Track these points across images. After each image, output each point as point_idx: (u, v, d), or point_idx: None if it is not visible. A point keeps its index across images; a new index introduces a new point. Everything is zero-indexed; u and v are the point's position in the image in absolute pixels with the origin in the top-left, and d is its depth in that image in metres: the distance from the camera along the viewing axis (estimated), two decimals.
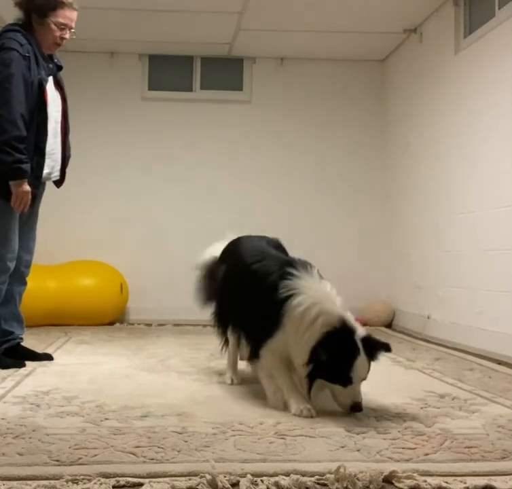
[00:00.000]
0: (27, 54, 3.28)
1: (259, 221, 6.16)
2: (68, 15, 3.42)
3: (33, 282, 3.70)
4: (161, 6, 5.24)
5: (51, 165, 3.49)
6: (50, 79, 3.45)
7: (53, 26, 3.39)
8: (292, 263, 2.74)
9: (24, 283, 3.65)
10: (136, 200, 6.32)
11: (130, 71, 6.40)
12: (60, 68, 3.58)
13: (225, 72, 6.47)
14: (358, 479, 1.78)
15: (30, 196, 3.31)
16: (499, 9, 4.38)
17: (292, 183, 6.42)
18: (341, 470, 1.80)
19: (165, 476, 1.80)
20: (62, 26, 3.41)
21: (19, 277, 3.58)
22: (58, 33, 3.41)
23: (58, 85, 3.52)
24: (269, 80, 6.48)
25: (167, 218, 6.33)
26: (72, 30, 3.47)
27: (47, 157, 3.42)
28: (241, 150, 6.42)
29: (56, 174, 3.56)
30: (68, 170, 3.64)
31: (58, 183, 3.64)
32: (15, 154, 3.20)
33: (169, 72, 6.45)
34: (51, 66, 3.47)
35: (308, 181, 6.44)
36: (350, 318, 2.55)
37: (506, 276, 4.16)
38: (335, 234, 6.34)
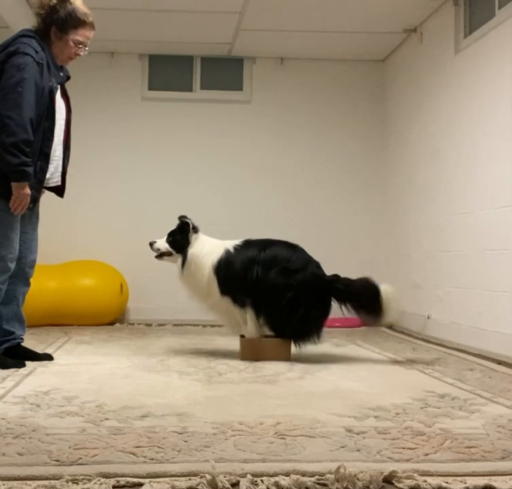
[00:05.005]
0: (41, 61, 3.31)
1: (260, 220, 6.18)
2: (87, 35, 3.49)
3: (33, 282, 3.71)
4: (161, 6, 5.25)
5: (52, 170, 3.51)
6: (58, 87, 3.49)
7: (71, 43, 3.45)
8: None
9: (28, 284, 3.66)
10: (136, 200, 6.32)
11: (130, 71, 6.40)
12: (68, 78, 3.63)
13: (225, 72, 6.47)
14: (358, 479, 1.77)
15: (29, 199, 3.33)
16: (499, 9, 4.38)
17: (292, 182, 6.43)
18: (341, 470, 1.79)
19: (165, 476, 1.80)
20: (80, 45, 3.47)
21: (23, 277, 3.59)
22: (73, 50, 3.48)
23: (64, 95, 3.56)
24: (269, 80, 6.48)
25: (167, 218, 6.31)
26: (86, 48, 3.53)
27: (50, 162, 3.46)
28: (241, 150, 6.42)
29: (54, 181, 3.57)
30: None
31: (61, 192, 3.66)
32: (22, 157, 3.22)
33: (169, 72, 6.45)
34: (61, 74, 3.53)
35: (307, 181, 6.44)
36: None
37: (506, 276, 4.16)
38: (335, 234, 6.34)
